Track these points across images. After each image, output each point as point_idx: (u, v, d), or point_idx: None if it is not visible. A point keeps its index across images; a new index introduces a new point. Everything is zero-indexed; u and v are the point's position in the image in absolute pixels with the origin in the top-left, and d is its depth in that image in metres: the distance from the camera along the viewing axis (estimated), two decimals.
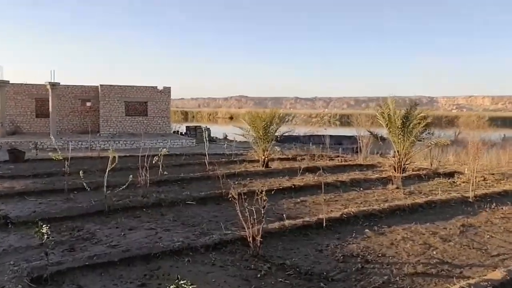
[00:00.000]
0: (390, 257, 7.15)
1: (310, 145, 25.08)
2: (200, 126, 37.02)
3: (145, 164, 12.13)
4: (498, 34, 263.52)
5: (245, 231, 7.32)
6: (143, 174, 11.93)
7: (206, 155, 17.27)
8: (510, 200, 11.45)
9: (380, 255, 7.25)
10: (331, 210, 9.95)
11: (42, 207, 10.43)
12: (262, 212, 7.30)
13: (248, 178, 14.46)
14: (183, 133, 35.41)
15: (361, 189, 13.03)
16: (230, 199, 7.70)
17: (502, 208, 10.66)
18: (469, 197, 11.39)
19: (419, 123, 15.14)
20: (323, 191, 10.05)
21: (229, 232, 8.05)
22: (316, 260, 6.96)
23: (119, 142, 26.12)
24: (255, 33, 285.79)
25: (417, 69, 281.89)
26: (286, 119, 20.95)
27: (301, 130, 36.40)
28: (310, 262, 6.85)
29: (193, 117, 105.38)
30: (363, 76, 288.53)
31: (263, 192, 7.30)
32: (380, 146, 21.61)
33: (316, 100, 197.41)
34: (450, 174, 15.71)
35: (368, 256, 7.18)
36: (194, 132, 34.31)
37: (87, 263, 6.37)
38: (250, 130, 17.92)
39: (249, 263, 6.72)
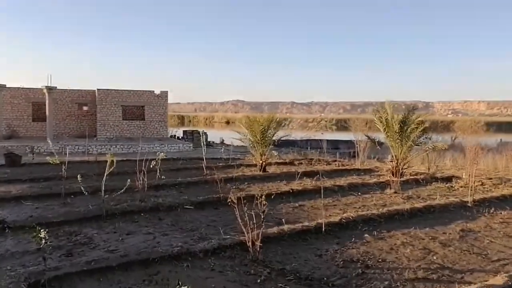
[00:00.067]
0: (390, 262, 7.12)
1: (309, 149, 25.06)
2: (197, 130, 36.94)
3: (143, 168, 12.06)
4: (494, 39, 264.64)
5: (244, 236, 7.28)
6: (141, 179, 11.86)
7: (203, 160, 17.21)
8: (509, 205, 11.42)
9: (380, 260, 7.21)
10: (330, 215, 9.90)
11: (39, 211, 10.37)
12: (262, 216, 7.25)
13: (246, 183, 14.42)
14: (180, 137, 35.34)
15: (359, 193, 13.00)
16: (229, 203, 7.65)
17: (501, 213, 10.65)
18: (467, 201, 11.37)
19: (417, 127, 15.12)
20: (322, 196, 10.01)
21: (228, 236, 8.01)
22: (316, 265, 6.92)
23: (116, 146, 26.04)
24: (251, 38, 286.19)
25: (413, 74, 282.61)
26: (283, 124, 20.86)
27: (297, 135, 36.37)
28: (310, 267, 6.81)
29: (190, 121, 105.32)
30: (359, 81, 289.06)
31: (263, 197, 7.26)
32: (377, 151, 21.57)
33: (312, 105, 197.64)
34: (448, 179, 15.70)
35: (368, 261, 7.14)
36: (191, 136, 34.25)
37: (85, 268, 6.32)
38: (247, 135, 17.86)
39: (248, 268, 6.68)
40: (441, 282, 6.33)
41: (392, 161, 16.25)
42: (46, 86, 27.89)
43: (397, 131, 15.15)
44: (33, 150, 21.91)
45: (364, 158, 19.97)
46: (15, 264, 6.72)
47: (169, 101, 33.28)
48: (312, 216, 10.04)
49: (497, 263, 7.20)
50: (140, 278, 6.21)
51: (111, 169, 10.10)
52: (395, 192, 12.97)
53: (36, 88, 30.57)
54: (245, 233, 7.17)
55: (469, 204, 11.26)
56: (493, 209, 10.95)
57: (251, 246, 7.07)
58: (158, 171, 13.37)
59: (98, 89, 31.03)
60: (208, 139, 33.69)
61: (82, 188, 10.58)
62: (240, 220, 7.28)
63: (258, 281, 6.20)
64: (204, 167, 16.54)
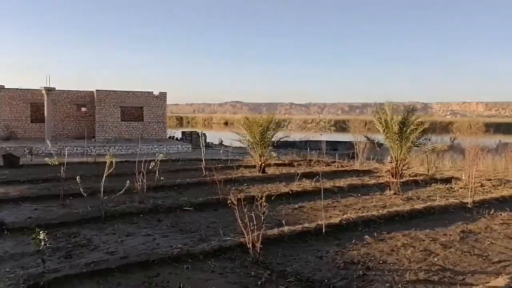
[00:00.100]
0: (391, 264, 7.09)
1: (308, 150, 25.03)
2: (196, 131, 36.92)
3: (142, 169, 12.02)
4: (492, 40, 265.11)
5: (244, 238, 7.25)
6: (140, 180, 11.81)
7: (202, 161, 17.17)
8: (509, 206, 11.41)
9: (381, 261, 7.19)
10: (330, 216, 9.87)
11: (38, 213, 10.32)
12: (262, 218, 7.22)
13: (245, 184, 14.38)
14: (179, 138, 35.30)
15: (359, 195, 12.97)
16: (229, 205, 7.62)
17: (501, 214, 10.63)
18: (467, 203, 11.36)
19: (416, 128, 15.10)
20: (322, 197, 9.98)
21: (228, 238, 7.96)
22: (317, 267, 6.88)
23: (114, 148, 25.99)
24: (249, 39, 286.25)
25: (411, 75, 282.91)
26: (282, 125, 20.85)
27: (296, 136, 36.38)
28: (311, 269, 6.78)
29: (188, 122, 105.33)
30: (357, 82, 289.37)
31: (263, 198, 7.23)
32: (376, 152, 21.55)
33: (311, 106, 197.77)
34: (447, 180, 15.69)
35: (369, 263, 7.11)
36: (189, 137, 34.21)
37: (84, 270, 6.28)
38: (247, 136, 17.83)
39: (249, 270, 6.64)
40: (442, 283, 6.30)
41: (391, 162, 16.23)
42: (44, 87, 27.84)
43: (396, 132, 15.12)
44: (31, 151, 21.84)
45: (363, 159, 19.94)
46: (14, 266, 6.68)
47: (167, 102, 33.25)
48: (312, 218, 10.01)
49: (498, 265, 7.18)
50: (140, 280, 6.17)
51: (110, 170, 10.06)
52: (395, 193, 12.96)
53: (35, 89, 30.51)
54: (245, 234, 7.14)
55: (469, 206, 11.24)
56: (493, 210, 10.92)
57: (251, 248, 7.04)
58: (157, 172, 13.34)
59: (96, 90, 30.99)
60: (207, 140, 33.67)
61: (81, 189, 10.54)
62: (240, 222, 7.24)
63: (259, 283, 6.17)
64: (203, 168, 16.51)
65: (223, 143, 35.45)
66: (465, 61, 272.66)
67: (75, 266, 6.46)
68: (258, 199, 7.28)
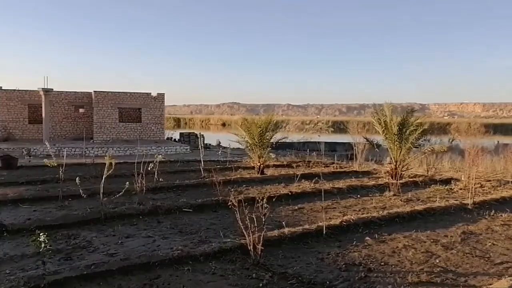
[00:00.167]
0: (393, 266, 7.06)
1: (308, 151, 25.02)
2: (194, 132, 36.88)
3: (141, 171, 11.98)
4: (489, 41, 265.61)
5: (245, 239, 7.21)
6: (139, 181, 11.78)
7: (201, 162, 17.13)
8: (509, 207, 11.39)
9: (382, 263, 7.15)
10: (330, 218, 9.83)
11: (37, 214, 10.27)
12: (263, 219, 7.18)
13: (244, 185, 14.34)
14: (177, 139, 35.25)
15: (359, 196, 12.95)
16: (229, 206, 7.59)
17: (502, 215, 10.60)
18: (468, 204, 11.34)
19: (416, 129, 15.08)
20: (323, 199, 9.95)
21: (229, 240, 7.92)
22: (318, 269, 6.85)
23: (112, 149, 25.91)
24: (247, 40, 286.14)
25: (408, 76, 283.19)
26: (280, 126, 20.85)
27: (294, 137, 36.34)
28: (312, 271, 6.75)
29: (186, 123, 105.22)
30: (355, 83, 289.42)
31: (264, 200, 7.19)
32: (375, 153, 21.56)
33: (308, 107, 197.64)
34: (447, 181, 15.67)
35: (371, 264, 7.08)
36: (188, 138, 34.17)
37: (84, 272, 6.24)
38: (245, 137, 17.80)
39: (250, 272, 6.60)
40: (445, 285, 6.27)
41: (390, 163, 16.21)
42: (42, 88, 27.81)
43: (396, 133, 15.10)
44: (29, 152, 21.76)
45: (362, 160, 19.93)
46: (14, 268, 6.63)
47: (165, 103, 33.24)
48: (312, 219, 9.98)
49: (500, 266, 7.15)
50: (140, 282, 6.13)
51: (109, 172, 10.02)
52: (395, 195, 12.94)
53: (32, 90, 30.50)
54: (246, 236, 7.10)
55: (469, 207, 11.22)
56: (493, 211, 10.90)
57: (252, 250, 7.00)
58: (156, 173, 13.31)
59: (94, 91, 30.96)
60: (205, 142, 33.63)
61: (80, 191, 10.50)
62: (240, 223, 7.20)
63: (260, 285, 6.13)
64: (202, 170, 16.47)
65: (221, 144, 35.41)
66: (463, 61, 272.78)
67: (75, 268, 6.42)
68: (259, 200, 7.24)
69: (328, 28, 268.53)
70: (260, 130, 17.15)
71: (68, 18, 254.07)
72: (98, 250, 7.66)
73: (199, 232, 8.84)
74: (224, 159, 21.07)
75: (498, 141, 34.87)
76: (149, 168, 12.79)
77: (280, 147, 25.01)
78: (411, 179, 15.73)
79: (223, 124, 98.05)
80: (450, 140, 28.77)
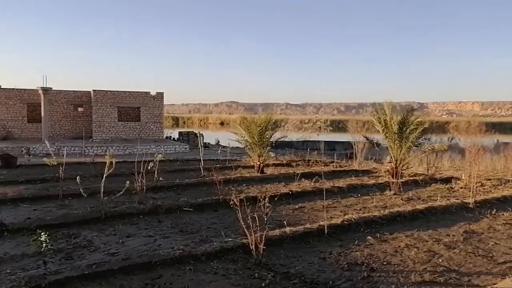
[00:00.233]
0: (396, 265, 7.03)
1: (308, 150, 24.98)
2: (193, 131, 36.83)
3: (141, 170, 11.94)
4: (489, 39, 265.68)
5: (247, 239, 7.18)
6: (139, 180, 11.73)
7: (201, 161, 17.08)
8: (511, 206, 11.32)
9: (385, 263, 7.12)
10: (331, 217, 9.81)
11: (37, 213, 10.22)
12: (265, 219, 7.14)
13: (244, 184, 14.29)
14: (176, 138, 35.20)
15: (359, 195, 12.92)
16: (231, 205, 7.55)
17: (503, 214, 10.58)
18: (469, 203, 11.31)
19: (416, 128, 15.05)
20: (324, 198, 9.92)
21: (230, 239, 7.88)
22: (321, 269, 6.81)
23: (112, 148, 25.85)
24: (245, 39, 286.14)
25: (406, 75, 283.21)
26: (279, 125, 20.81)
27: (293, 136, 36.29)
28: (315, 271, 6.71)
29: (184, 122, 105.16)
30: (353, 82, 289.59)
31: (266, 199, 7.16)
32: (374, 152, 21.51)
33: (307, 106, 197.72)
34: (447, 180, 15.65)
35: (373, 264, 7.05)
36: (187, 137, 34.12)
37: (86, 272, 6.19)
38: (245, 136, 17.75)
39: (252, 272, 6.57)
40: (448, 285, 6.24)
41: (390, 162, 16.18)
42: (41, 87, 27.73)
43: (396, 132, 15.07)
44: (29, 151, 21.69)
45: (361, 159, 19.90)
46: (14, 268, 6.58)
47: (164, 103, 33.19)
48: (313, 218, 9.95)
49: (503, 266, 7.12)
50: (142, 282, 6.09)
51: (110, 171, 9.98)
52: (395, 194, 12.91)
53: (31, 89, 30.42)
54: (248, 235, 7.06)
55: (470, 206, 11.20)
56: (495, 210, 10.87)
57: (254, 249, 6.96)
58: (155, 172, 13.25)
59: (93, 90, 30.89)
60: (204, 141, 33.57)
61: (81, 190, 10.46)
62: (242, 223, 7.16)
63: (263, 284, 6.09)
64: (201, 169, 16.43)
65: (220, 143, 35.37)
66: (462, 60, 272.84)
67: (76, 268, 6.37)
68: (261, 200, 7.20)
69: (327, 27, 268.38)
70: (260, 129, 17.11)
71: (68, 16, 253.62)
72: (99, 250, 7.61)
73: (200, 232, 8.79)
74: (224, 158, 21.02)
75: (497, 140, 34.87)
76: (149, 167, 12.74)
77: (279, 146, 24.96)
78: (411, 178, 15.70)
79: (222, 123, 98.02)
80: (450, 139, 28.70)
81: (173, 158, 21.70)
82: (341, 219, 9.30)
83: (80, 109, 32.28)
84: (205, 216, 10.18)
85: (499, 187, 14.41)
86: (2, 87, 30.46)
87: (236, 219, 7.70)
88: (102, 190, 9.93)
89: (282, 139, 20.81)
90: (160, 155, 13.72)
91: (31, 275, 5.93)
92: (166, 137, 35.06)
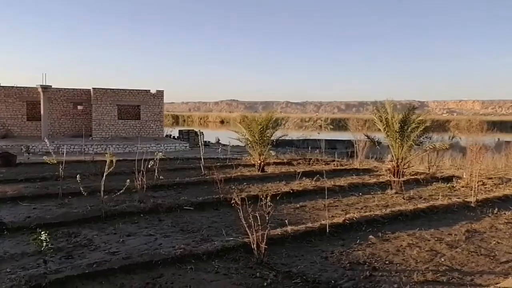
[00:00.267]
0: (398, 264, 6.99)
1: (309, 149, 24.92)
2: (193, 130, 36.74)
3: (142, 168, 11.89)
4: (489, 38, 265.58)
5: (248, 238, 7.14)
6: (140, 179, 11.68)
7: (201, 160, 17.03)
8: None
9: (387, 262, 7.08)
10: (332, 216, 9.77)
11: (36, 212, 10.17)
12: (267, 218, 7.08)
13: (245, 183, 14.26)
14: (176, 137, 35.13)
15: (360, 194, 12.88)
16: (233, 204, 7.50)
17: (505, 213, 10.54)
18: (471, 202, 11.28)
19: (417, 127, 14.99)
20: (326, 197, 9.87)
21: (231, 238, 7.83)
22: (323, 268, 6.77)
23: (111, 146, 25.80)
24: (245, 37, 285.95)
25: (407, 73, 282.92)
26: (280, 123, 20.73)
27: (293, 134, 36.17)
28: (317, 270, 6.67)
29: (184, 121, 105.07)
30: (353, 81, 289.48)
31: (268, 198, 7.11)
32: (375, 150, 21.47)
33: (307, 104, 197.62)
34: (448, 179, 15.60)
35: (375, 263, 7.01)
36: (187, 136, 34.04)
37: (86, 271, 6.15)
38: (246, 134, 17.70)
39: (254, 271, 6.52)
40: (451, 284, 6.20)
41: (392, 161, 16.12)
42: (40, 85, 27.67)
43: (397, 130, 15.01)
44: (28, 149, 21.64)
45: (362, 157, 19.86)
46: (14, 267, 6.54)
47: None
48: (314, 217, 9.91)
49: (506, 265, 7.08)
50: (143, 281, 6.04)
51: (110, 169, 9.94)
52: (397, 193, 12.87)
53: (31, 87, 30.34)
54: (250, 234, 7.01)
55: (472, 205, 11.16)
56: (496, 209, 10.83)
57: (255, 248, 6.91)
58: (156, 171, 13.20)
59: (93, 88, 30.80)
60: (204, 139, 33.50)
61: (81, 188, 10.42)
62: (244, 222, 7.12)
63: (265, 284, 6.04)
64: (202, 167, 16.38)
65: (220, 141, 35.28)
66: (462, 59, 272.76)
67: (76, 267, 6.33)
68: (263, 198, 7.15)
69: (326, 25, 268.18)
70: (261, 128, 17.06)
71: (67, 15, 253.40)
72: (99, 249, 7.57)
73: (201, 231, 8.75)
74: (224, 156, 20.97)
75: (498, 139, 34.83)
76: (149, 166, 12.69)
77: (280, 144, 24.90)
78: (413, 177, 15.66)
79: (222, 122, 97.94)
80: (450, 138, 28.65)
81: (173, 156, 21.66)
82: (343, 218, 9.26)
83: (79, 107, 32.20)
84: (206, 215, 10.14)
85: (501, 186, 14.38)
86: (1, 85, 30.39)
87: (237, 218, 7.67)
88: (103, 188, 9.87)
89: (283, 138, 20.73)
90: (161, 153, 13.68)
91: (31, 274, 5.89)
92: (166, 136, 34.99)
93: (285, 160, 20.57)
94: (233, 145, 27.42)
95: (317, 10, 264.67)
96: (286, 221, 8.89)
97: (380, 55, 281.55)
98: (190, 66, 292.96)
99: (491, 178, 15.51)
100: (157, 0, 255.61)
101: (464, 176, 14.88)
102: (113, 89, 31.18)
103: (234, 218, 9.18)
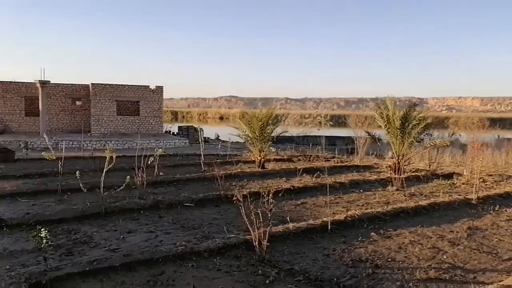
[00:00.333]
0: (400, 262, 6.94)
1: (310, 145, 24.88)
2: (192, 126, 36.65)
3: (142, 164, 11.82)
4: (488, 35, 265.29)
5: (250, 235, 7.08)
6: (139, 175, 11.62)
7: (201, 156, 16.98)
8: None
9: (389, 259, 7.04)
10: (334, 213, 9.69)
11: (36, 208, 10.11)
12: (269, 215, 7.04)
13: (245, 179, 14.19)
14: (175, 133, 35.05)
15: (361, 190, 12.84)
16: (234, 201, 7.45)
17: (506, 211, 10.51)
18: (472, 199, 11.24)
19: (418, 124, 14.92)
20: (328, 193, 9.83)
21: (233, 235, 7.79)
22: (325, 265, 6.73)
23: (110, 142, 25.69)
24: (244, 33, 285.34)
25: (406, 70, 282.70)
26: (280, 120, 20.67)
27: (293, 131, 36.16)
28: (319, 267, 6.62)
29: (183, 117, 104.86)
30: (353, 78, 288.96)
31: (270, 195, 7.06)
32: (375, 147, 21.43)
33: (306, 101, 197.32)
34: (449, 176, 15.57)
35: (378, 260, 6.96)
36: (186, 132, 33.95)
37: (87, 269, 6.10)
38: (246, 130, 17.63)
39: (256, 268, 6.47)
40: (454, 282, 6.15)
41: (392, 158, 16.06)
42: (39, 80, 27.56)
43: (398, 127, 14.93)
44: (27, 145, 21.55)
45: (363, 154, 19.82)
46: (14, 264, 6.48)
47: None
48: (316, 214, 9.87)
49: (508, 262, 7.04)
50: (144, 279, 5.99)
51: (110, 166, 9.88)
52: (397, 189, 12.84)
53: (29, 82, 30.21)
54: (252, 231, 6.96)
55: (473, 202, 11.12)
56: (497, 206, 10.82)
57: (257, 246, 6.86)
58: (156, 167, 13.15)
59: (92, 84, 30.68)
60: (204, 135, 33.41)
61: (80, 185, 10.35)
62: (246, 219, 7.06)
63: (267, 281, 6.00)
64: (202, 164, 16.32)
65: (219, 138, 35.21)
66: (461, 56, 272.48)
67: (77, 264, 6.28)
68: (265, 195, 7.10)
69: (325, 22, 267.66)
70: (261, 124, 17.00)
71: (66, 10, 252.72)
72: (99, 246, 7.51)
73: (201, 227, 8.70)
74: (224, 153, 20.90)
75: (498, 136, 34.80)
76: (149, 162, 12.63)
77: (280, 141, 24.82)
78: (413, 174, 15.63)
79: (221, 118, 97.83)
80: (450, 135, 28.63)
81: (173, 152, 21.57)
82: (344, 215, 9.22)
83: (78, 102, 32.04)
84: (206, 211, 10.09)
85: (501, 183, 14.34)
86: None
87: (237, 214, 7.62)
88: (102, 185, 9.81)
89: (283, 134, 20.68)
90: (160, 149, 13.62)
91: (31, 272, 5.83)
92: (166, 132, 34.90)
93: (285, 157, 20.52)
94: (233, 142, 27.40)
95: (315, 7, 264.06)
96: (287, 218, 8.86)
97: (379, 52, 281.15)
98: (189, 62, 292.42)
99: (491, 175, 15.47)
100: None
101: (465, 173, 14.84)
102: (112, 85, 31.06)
103: (235, 214, 9.15)
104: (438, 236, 8.39)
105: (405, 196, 12.09)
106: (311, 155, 20.57)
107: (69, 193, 11.58)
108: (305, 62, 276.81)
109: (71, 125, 31.68)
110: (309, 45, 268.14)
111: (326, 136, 29.55)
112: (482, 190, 12.65)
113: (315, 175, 14.13)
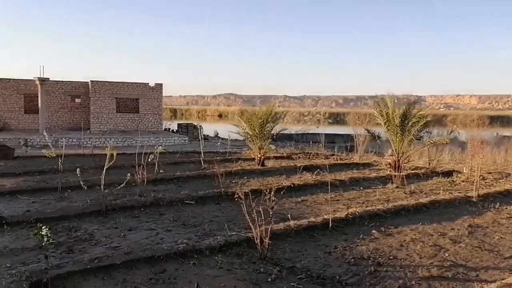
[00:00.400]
0: (402, 260, 6.93)
1: (310, 143, 24.85)
2: (192, 123, 36.62)
3: (142, 162, 11.79)
4: (487, 33, 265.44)
5: (251, 232, 7.06)
6: (140, 173, 11.59)
7: (201, 153, 16.94)
8: None
9: (391, 257, 7.03)
10: (335, 210, 9.69)
11: (36, 206, 10.08)
12: (270, 213, 7.02)
13: (245, 177, 14.17)
14: (175, 130, 35.01)
15: (361, 188, 12.83)
16: (236, 199, 7.43)
17: (507, 208, 10.50)
18: (472, 196, 11.23)
19: (418, 121, 14.93)
20: (329, 191, 9.82)
21: (234, 233, 7.77)
22: (327, 263, 6.71)
23: (110, 139, 25.65)
24: (243, 31, 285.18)
25: (404, 68, 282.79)
26: (280, 117, 20.65)
27: (292, 128, 36.10)
28: (321, 265, 6.61)
29: (182, 114, 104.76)
30: (351, 75, 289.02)
31: (272, 193, 7.03)
32: (374, 145, 21.41)
33: (305, 99, 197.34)
34: (448, 173, 15.56)
35: (379, 258, 6.95)
36: (186, 129, 33.92)
37: (88, 267, 6.07)
38: (246, 128, 17.61)
39: (257, 266, 6.46)
40: (457, 280, 6.14)
41: (392, 155, 16.07)
42: (38, 78, 27.46)
43: (398, 125, 14.94)
44: (26, 142, 21.49)
45: (362, 152, 19.81)
46: (14, 262, 6.46)
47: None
48: (316, 212, 9.85)
49: (510, 260, 7.03)
50: (146, 277, 5.97)
51: (111, 163, 9.85)
52: (398, 187, 12.83)
53: (28, 80, 30.12)
54: (253, 229, 6.94)
55: (474, 199, 11.11)
56: (498, 204, 10.80)
57: (259, 243, 6.84)
58: (156, 165, 13.12)
59: (91, 81, 30.63)
60: (203, 133, 33.36)
61: (81, 182, 10.33)
62: (247, 216, 7.04)
63: (269, 279, 5.98)
64: (202, 161, 16.29)
65: (218, 135, 35.17)
66: (459, 54, 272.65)
67: (78, 262, 6.25)
68: (266, 193, 7.07)
69: (323, 20, 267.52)
70: (261, 121, 16.98)
71: (64, 8, 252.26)
72: (100, 243, 7.49)
73: (202, 225, 8.68)
74: (224, 150, 20.87)
75: (497, 133, 34.81)
76: (149, 159, 12.61)
77: (279, 138, 24.80)
78: (413, 171, 15.62)
79: (220, 115, 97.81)
80: (449, 132, 28.65)
81: (172, 150, 21.55)
82: (345, 213, 9.21)
83: (77, 100, 31.97)
84: (207, 209, 10.07)
85: (501, 180, 14.34)
86: None
87: (238, 212, 7.60)
88: (103, 182, 9.78)
89: (282, 132, 20.65)
90: (160, 147, 13.59)
91: (32, 270, 5.80)
92: (165, 129, 34.85)
93: (284, 154, 20.50)
94: (232, 139, 27.34)
95: (314, 4, 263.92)
96: (288, 215, 8.84)
97: (378, 50, 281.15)
98: (188, 59, 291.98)
99: (490, 173, 15.46)
100: None
101: (465, 171, 14.84)
102: (111, 82, 31.01)
103: (236, 212, 9.15)
104: (439, 233, 8.38)
105: (405, 193, 12.08)
106: (310, 153, 20.54)
107: (69, 190, 11.54)
108: (303, 60, 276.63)
109: (71, 122, 31.63)
110: (308, 43, 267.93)
111: (325, 134, 29.53)
112: (482, 188, 12.64)
113: (315, 173, 14.10)
